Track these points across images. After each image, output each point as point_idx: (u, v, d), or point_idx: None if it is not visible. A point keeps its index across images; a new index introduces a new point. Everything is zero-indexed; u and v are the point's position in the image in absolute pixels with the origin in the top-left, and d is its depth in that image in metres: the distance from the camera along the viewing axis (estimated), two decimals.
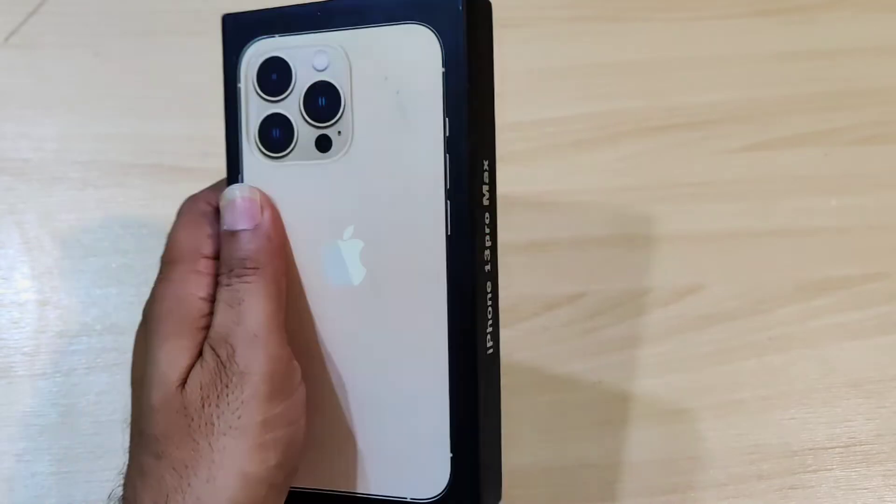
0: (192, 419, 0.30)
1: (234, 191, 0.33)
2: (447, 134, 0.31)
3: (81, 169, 0.53)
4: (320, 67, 0.33)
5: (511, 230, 0.53)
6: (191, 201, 0.34)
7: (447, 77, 0.31)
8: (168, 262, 0.33)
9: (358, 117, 0.32)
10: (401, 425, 0.33)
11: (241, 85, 0.33)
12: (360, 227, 0.32)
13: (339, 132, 0.33)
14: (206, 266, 0.33)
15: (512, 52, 0.61)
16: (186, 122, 0.56)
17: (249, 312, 0.31)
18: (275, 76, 0.33)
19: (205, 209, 0.34)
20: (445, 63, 0.31)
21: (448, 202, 0.31)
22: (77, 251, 0.51)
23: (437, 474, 0.32)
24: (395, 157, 0.32)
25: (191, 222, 0.33)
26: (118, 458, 0.33)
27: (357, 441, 0.33)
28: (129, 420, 0.32)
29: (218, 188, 0.34)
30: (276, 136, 0.33)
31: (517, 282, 0.52)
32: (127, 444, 0.32)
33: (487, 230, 0.32)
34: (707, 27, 0.63)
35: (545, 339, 0.50)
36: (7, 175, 0.52)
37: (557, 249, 0.53)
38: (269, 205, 0.33)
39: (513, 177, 0.55)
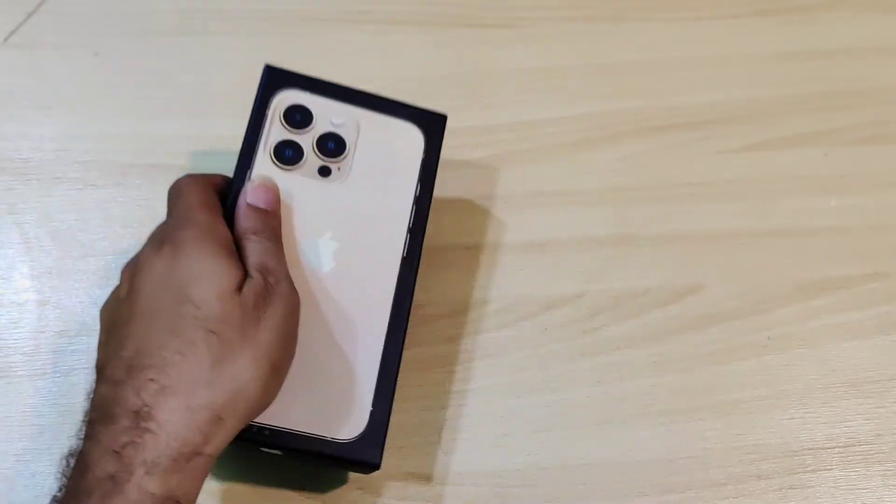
0: (246, 314, 0.38)
1: (265, 178, 0.43)
2: (417, 194, 0.46)
3: (81, 169, 0.53)
4: (337, 123, 0.46)
5: (511, 230, 0.53)
6: (193, 177, 0.43)
7: (424, 160, 0.46)
8: (192, 205, 0.41)
9: (356, 163, 0.45)
10: (337, 381, 0.42)
11: (269, 112, 0.45)
12: (337, 233, 0.44)
13: (339, 168, 0.45)
14: (222, 219, 0.42)
15: (512, 52, 0.61)
16: (186, 122, 0.56)
17: (281, 262, 0.41)
18: (298, 117, 0.45)
19: (207, 184, 0.42)
20: (425, 151, 0.47)
21: (408, 235, 0.45)
22: (77, 251, 0.51)
23: (356, 422, 0.42)
24: (377, 197, 0.45)
25: (204, 188, 0.42)
26: None
27: (299, 389, 0.41)
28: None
29: (211, 178, 0.43)
30: (289, 154, 0.45)
31: (517, 282, 0.52)
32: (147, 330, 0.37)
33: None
34: (707, 27, 0.63)
35: (545, 339, 0.50)
36: (7, 175, 0.52)
37: (557, 249, 0.53)
38: (279, 199, 0.43)
39: (513, 177, 0.55)
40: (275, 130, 0.45)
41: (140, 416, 0.35)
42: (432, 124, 0.47)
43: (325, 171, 0.45)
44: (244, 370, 0.37)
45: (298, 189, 0.44)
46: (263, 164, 0.44)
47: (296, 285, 0.41)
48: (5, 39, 0.59)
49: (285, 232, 0.43)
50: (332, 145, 0.45)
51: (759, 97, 0.60)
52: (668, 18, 0.63)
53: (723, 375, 0.50)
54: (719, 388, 0.49)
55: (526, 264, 0.52)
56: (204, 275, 0.38)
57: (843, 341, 0.51)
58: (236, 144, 0.45)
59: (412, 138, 0.47)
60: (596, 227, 0.54)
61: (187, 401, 0.35)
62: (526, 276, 0.52)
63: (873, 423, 0.48)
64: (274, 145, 0.44)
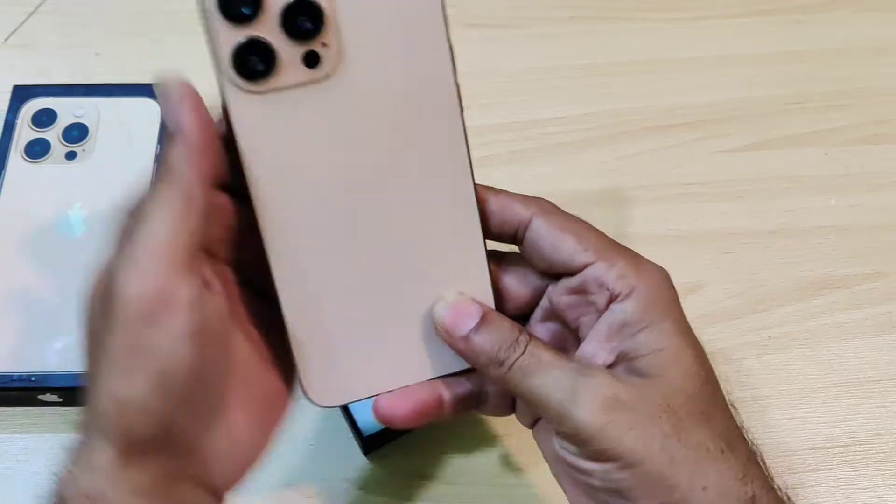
0: (93, 336, 0.30)
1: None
2: (157, 153, 0.51)
3: None
4: (78, 115, 0.52)
5: None
6: None
7: (162, 123, 0.52)
8: None
9: (99, 142, 0.52)
10: None
11: (18, 121, 0.52)
12: (86, 203, 0.50)
13: (84, 150, 0.52)
14: None
15: (512, 52, 0.61)
16: None
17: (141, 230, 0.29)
18: (45, 118, 0.52)
19: None
20: (161, 116, 0.47)
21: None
22: None
23: None
24: (121, 165, 0.51)
25: None
26: None
27: None
28: None
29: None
30: (37, 150, 0.51)
31: None
32: None
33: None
34: (707, 27, 0.63)
35: None
36: None
37: None
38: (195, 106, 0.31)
39: (513, 177, 0.55)
40: (25, 134, 0.52)
41: None
42: None
43: (71, 156, 0.51)
44: (99, 423, 0.31)
45: (48, 175, 0.51)
46: (16, 164, 0.51)
47: (47, 253, 0.47)
48: (5, 39, 0.59)
49: (39, 213, 0.49)
50: (76, 133, 0.52)
51: (759, 97, 0.60)
52: (668, 18, 0.63)
53: (722, 374, 0.49)
54: None
55: None
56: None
57: (843, 341, 0.51)
58: None
59: (149, 109, 0.53)
60: (596, 227, 0.54)
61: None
62: None
63: (873, 423, 0.48)
64: (24, 145, 0.51)
